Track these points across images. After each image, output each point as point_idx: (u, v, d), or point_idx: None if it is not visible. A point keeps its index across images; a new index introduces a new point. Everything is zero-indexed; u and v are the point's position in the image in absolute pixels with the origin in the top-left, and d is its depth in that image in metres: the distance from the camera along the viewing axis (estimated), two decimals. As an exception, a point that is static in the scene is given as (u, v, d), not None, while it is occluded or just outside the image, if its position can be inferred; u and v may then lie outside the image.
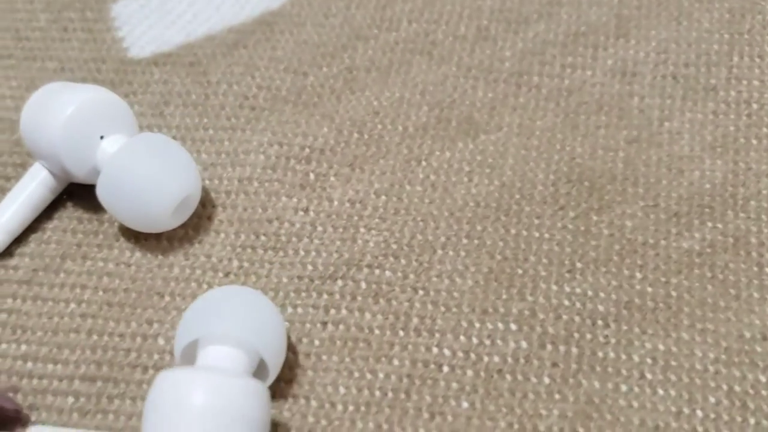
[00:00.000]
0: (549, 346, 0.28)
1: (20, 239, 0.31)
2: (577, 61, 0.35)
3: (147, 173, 0.28)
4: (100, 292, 0.30)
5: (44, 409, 0.28)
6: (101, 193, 0.29)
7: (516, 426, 0.26)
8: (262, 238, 0.31)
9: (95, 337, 0.29)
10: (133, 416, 0.27)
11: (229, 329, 0.25)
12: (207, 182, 0.32)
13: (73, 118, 0.29)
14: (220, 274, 0.30)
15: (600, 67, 0.35)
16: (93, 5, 0.38)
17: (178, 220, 0.30)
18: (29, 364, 0.29)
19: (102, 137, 0.30)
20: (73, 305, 0.30)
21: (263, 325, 0.26)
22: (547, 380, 0.27)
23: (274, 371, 0.26)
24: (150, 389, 0.24)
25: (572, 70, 0.35)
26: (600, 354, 0.28)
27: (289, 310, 0.29)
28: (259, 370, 0.26)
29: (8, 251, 0.31)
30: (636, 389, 0.27)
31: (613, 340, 0.28)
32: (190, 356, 0.26)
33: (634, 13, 0.36)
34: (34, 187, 0.31)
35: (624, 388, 0.27)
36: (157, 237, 0.31)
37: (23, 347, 0.29)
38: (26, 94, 0.36)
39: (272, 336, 0.26)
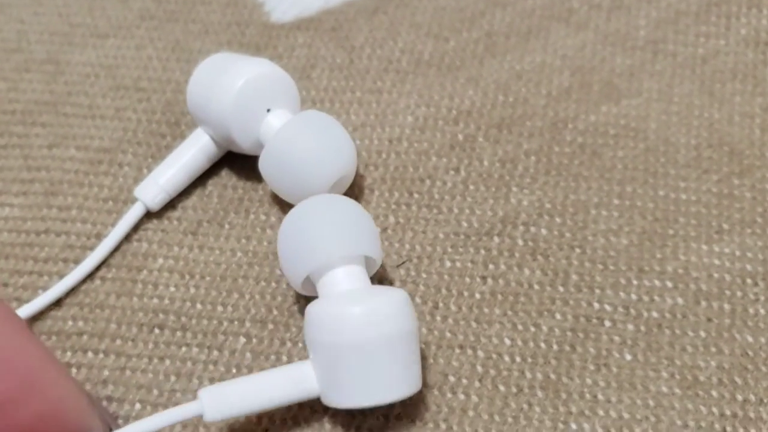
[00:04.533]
0: (703, 303, 0.29)
1: (182, 192, 0.32)
2: (710, 30, 0.36)
3: (309, 151, 0.29)
4: (265, 243, 0.31)
5: (216, 348, 0.29)
6: (263, 166, 0.30)
7: (678, 376, 0.27)
8: (416, 195, 0.32)
9: (263, 283, 0.30)
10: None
11: (341, 251, 0.26)
12: (358, 142, 0.33)
13: (244, 90, 0.30)
14: (378, 229, 0.31)
15: (733, 36, 0.36)
16: (230, -30, 0.39)
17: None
18: (198, 306, 0.30)
19: (268, 110, 0.30)
20: (239, 254, 0.31)
21: (361, 228, 0.27)
22: (703, 334, 0.28)
23: (379, 262, 0.28)
24: (307, 325, 0.25)
25: (706, 38, 0.36)
26: (751, 310, 0.29)
27: (448, 264, 0.30)
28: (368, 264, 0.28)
29: (171, 204, 0.32)
30: (789, 344, 0.28)
31: (762, 297, 0.29)
32: (306, 281, 0.27)
33: (766, -17, 0.37)
34: (194, 152, 0.32)
35: (777, 343, 0.28)
36: (315, 193, 0.32)
37: (192, 290, 0.30)
38: (172, 55, 0.37)
39: (370, 233, 0.27)
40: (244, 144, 0.31)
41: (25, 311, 0.29)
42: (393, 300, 0.25)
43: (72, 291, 0.31)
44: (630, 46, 0.35)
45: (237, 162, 0.33)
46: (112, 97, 0.36)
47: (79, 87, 0.36)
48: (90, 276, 0.31)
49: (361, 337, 0.24)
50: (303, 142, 0.29)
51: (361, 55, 0.36)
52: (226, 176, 0.33)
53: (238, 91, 0.30)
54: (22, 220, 0.32)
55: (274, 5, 0.38)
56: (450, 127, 0.33)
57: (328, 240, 0.27)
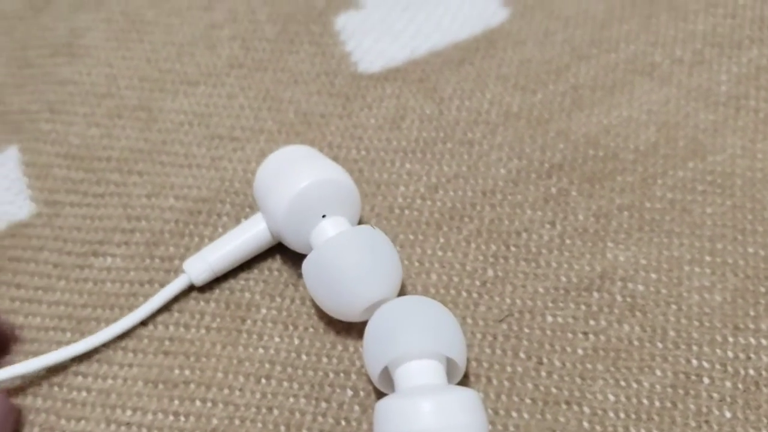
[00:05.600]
0: (799, 361, 0.30)
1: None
2: (791, 86, 0.37)
3: (349, 270, 0.29)
4: (368, 297, 0.32)
5: (323, 400, 0.30)
6: (305, 270, 0.30)
7: (778, 436, 0.28)
8: (513, 248, 0.33)
9: (367, 337, 0.31)
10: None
11: (419, 344, 0.27)
12: (451, 193, 0.34)
13: (303, 194, 0.30)
14: (477, 282, 0.32)
15: (813, 92, 0.36)
16: (316, 18, 0.40)
17: (370, 314, 0.30)
18: (303, 357, 0.31)
19: (324, 216, 0.31)
20: (343, 308, 0.32)
21: (444, 328, 0.28)
22: (800, 393, 0.29)
23: (463, 368, 0.28)
24: (377, 419, 0.26)
25: (786, 94, 0.36)
26: None
27: (549, 318, 0.31)
28: (450, 370, 0.28)
29: (270, 254, 0.33)
30: None
31: None
32: (384, 373, 0.28)
33: (844, 39, 0.38)
34: (248, 237, 0.32)
35: None
36: (412, 244, 0.33)
37: (296, 341, 0.31)
38: (263, 104, 0.38)
39: (454, 336, 0.28)
40: (293, 243, 0.31)
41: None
42: (464, 398, 0.25)
43: (94, 352, 0.31)
44: (713, 102, 0.36)
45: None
46: (207, 146, 0.36)
47: (173, 135, 0.37)
48: (120, 337, 0.32)
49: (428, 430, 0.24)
50: (346, 259, 0.29)
51: (450, 106, 0.37)
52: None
53: (297, 193, 0.30)
54: (125, 271, 0.33)
55: (361, 55, 0.39)
56: (543, 180, 0.34)
57: (408, 332, 0.27)
